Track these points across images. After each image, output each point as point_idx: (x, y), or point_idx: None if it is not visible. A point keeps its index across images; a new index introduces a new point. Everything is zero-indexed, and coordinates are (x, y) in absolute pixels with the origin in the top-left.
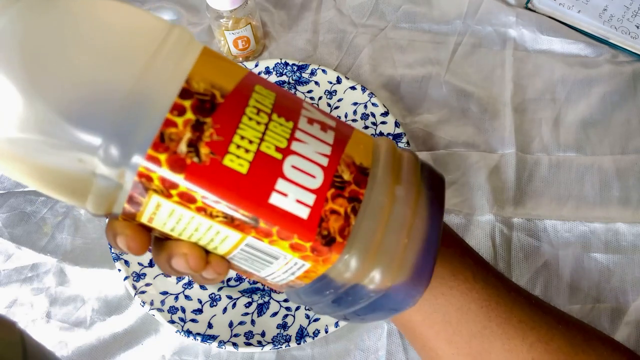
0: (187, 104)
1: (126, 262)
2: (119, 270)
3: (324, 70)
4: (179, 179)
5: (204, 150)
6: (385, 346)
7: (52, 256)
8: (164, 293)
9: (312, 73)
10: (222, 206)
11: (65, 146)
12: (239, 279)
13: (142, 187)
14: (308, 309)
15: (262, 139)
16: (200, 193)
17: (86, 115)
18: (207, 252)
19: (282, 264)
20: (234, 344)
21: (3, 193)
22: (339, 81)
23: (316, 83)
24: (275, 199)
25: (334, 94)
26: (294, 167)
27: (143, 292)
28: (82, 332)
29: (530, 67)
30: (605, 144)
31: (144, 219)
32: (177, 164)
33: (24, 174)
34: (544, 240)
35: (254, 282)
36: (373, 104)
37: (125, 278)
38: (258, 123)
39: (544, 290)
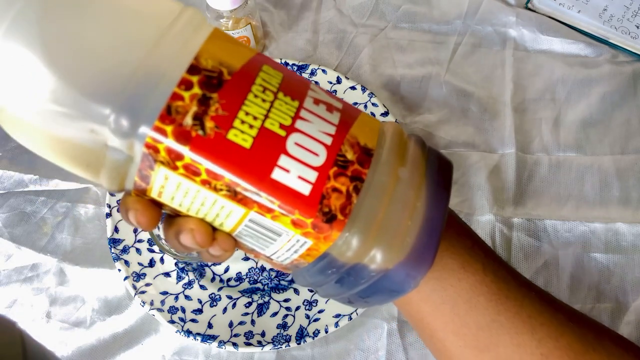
0: (194, 79)
1: (126, 262)
2: (119, 270)
3: (324, 70)
4: (184, 150)
5: (209, 124)
6: (385, 346)
7: (52, 256)
8: (164, 293)
9: (312, 73)
10: (226, 179)
11: (78, 116)
12: (239, 279)
13: (150, 159)
14: (308, 309)
15: (266, 116)
16: (205, 165)
17: (97, 87)
18: (214, 230)
19: (285, 241)
20: (234, 344)
21: (3, 193)
22: (339, 81)
23: (316, 83)
24: (277, 175)
25: (334, 94)
26: (297, 144)
27: (143, 292)
28: (82, 332)
29: (530, 67)
30: (605, 144)
31: (153, 194)
32: (182, 136)
33: (43, 146)
34: (544, 240)
35: (254, 282)
36: (373, 104)
37: (125, 278)
38: (264, 100)
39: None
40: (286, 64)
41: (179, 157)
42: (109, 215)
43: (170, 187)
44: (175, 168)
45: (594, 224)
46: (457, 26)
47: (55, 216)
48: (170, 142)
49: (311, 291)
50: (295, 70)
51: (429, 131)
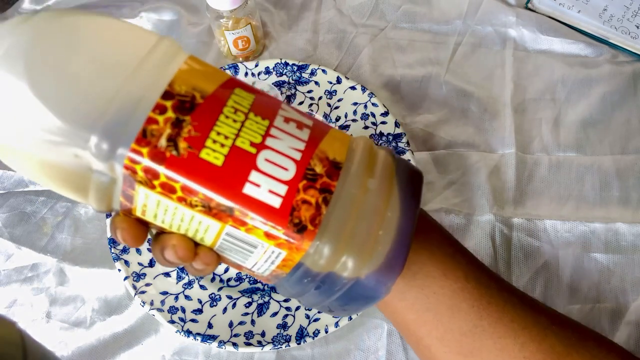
0: (168, 104)
1: (126, 262)
2: (119, 270)
3: (324, 70)
4: (159, 169)
5: (182, 144)
6: (385, 346)
7: (52, 256)
8: (164, 293)
9: (312, 73)
10: (200, 195)
11: (63, 142)
12: (239, 279)
13: (130, 179)
14: (308, 309)
15: (237, 135)
16: (180, 183)
17: (78, 114)
18: (196, 245)
19: (262, 253)
20: (234, 344)
21: (3, 193)
22: (339, 81)
23: (316, 83)
24: (248, 189)
25: (334, 94)
26: (267, 160)
27: (143, 292)
28: (82, 332)
29: (530, 67)
30: (605, 144)
31: (138, 212)
32: (157, 156)
33: (32, 171)
34: (544, 240)
35: (254, 282)
36: (373, 104)
37: (125, 278)
38: (235, 121)
39: (544, 290)
40: (286, 64)
41: (156, 176)
42: (109, 215)
43: (151, 205)
44: (153, 187)
45: (594, 224)
46: (457, 26)
47: (55, 216)
48: (147, 162)
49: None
50: (295, 70)
51: (429, 131)
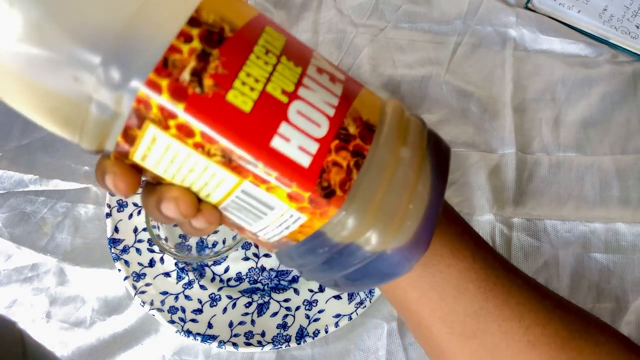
0: (194, 32)
1: (126, 262)
2: (119, 270)
3: None
4: (178, 109)
5: (207, 81)
6: (385, 346)
7: (52, 256)
8: (164, 293)
9: None
10: (221, 144)
11: (62, 61)
12: (239, 279)
13: (139, 115)
14: (308, 309)
15: (268, 80)
16: (200, 127)
17: (89, 31)
18: (199, 201)
19: (277, 216)
20: (234, 344)
21: (3, 193)
22: None
23: None
24: (277, 143)
25: None
26: (299, 112)
27: (143, 292)
28: (82, 332)
29: (530, 67)
30: (605, 144)
31: (136, 157)
32: (178, 92)
33: (18, 95)
34: (544, 240)
35: (254, 282)
36: None
37: (125, 278)
38: (266, 63)
39: None
40: None
41: (172, 115)
42: (109, 215)
43: (158, 150)
44: (166, 127)
45: (594, 224)
46: (457, 26)
47: (55, 216)
48: (164, 98)
49: (311, 291)
50: None
51: None
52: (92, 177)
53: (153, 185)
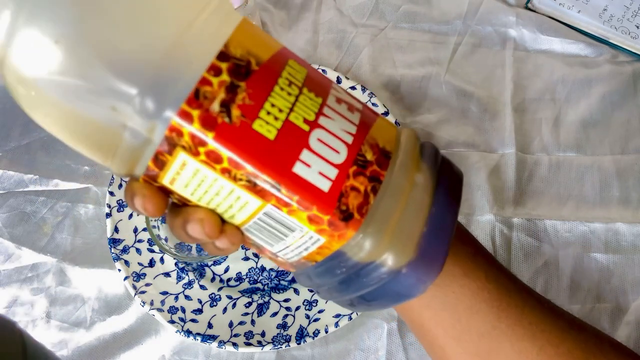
0: (223, 66)
1: (126, 262)
2: (119, 270)
3: (324, 70)
4: (208, 137)
5: (235, 112)
6: (385, 346)
7: (52, 256)
8: (164, 293)
9: None
10: (247, 169)
11: (102, 92)
12: (239, 279)
13: (170, 142)
14: (308, 309)
15: (291, 109)
16: (227, 154)
17: (127, 64)
18: (222, 222)
19: (297, 237)
20: (234, 344)
21: (3, 193)
22: (339, 81)
23: None
24: (298, 169)
25: None
26: (319, 140)
27: (143, 292)
28: (82, 332)
29: (530, 67)
30: (605, 144)
31: (165, 180)
32: (208, 122)
33: (56, 121)
34: (544, 240)
35: (254, 282)
36: (373, 104)
37: (125, 278)
38: (289, 94)
39: (544, 290)
40: None
41: (202, 143)
42: (109, 215)
43: (186, 174)
44: (196, 154)
45: (594, 224)
46: (457, 26)
47: (55, 216)
48: (195, 128)
49: (311, 291)
50: None
51: (429, 131)
52: (92, 177)
53: (179, 207)
